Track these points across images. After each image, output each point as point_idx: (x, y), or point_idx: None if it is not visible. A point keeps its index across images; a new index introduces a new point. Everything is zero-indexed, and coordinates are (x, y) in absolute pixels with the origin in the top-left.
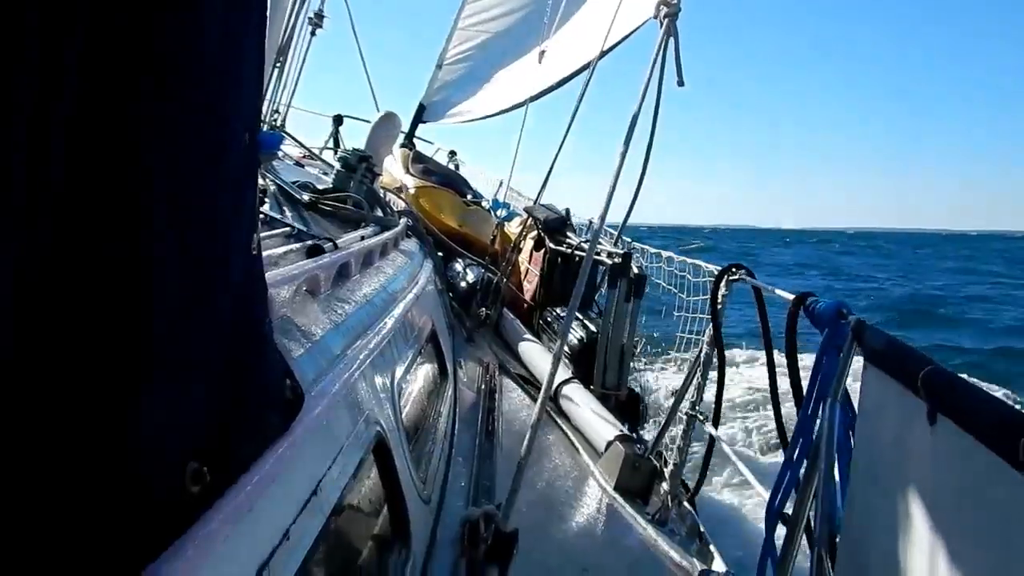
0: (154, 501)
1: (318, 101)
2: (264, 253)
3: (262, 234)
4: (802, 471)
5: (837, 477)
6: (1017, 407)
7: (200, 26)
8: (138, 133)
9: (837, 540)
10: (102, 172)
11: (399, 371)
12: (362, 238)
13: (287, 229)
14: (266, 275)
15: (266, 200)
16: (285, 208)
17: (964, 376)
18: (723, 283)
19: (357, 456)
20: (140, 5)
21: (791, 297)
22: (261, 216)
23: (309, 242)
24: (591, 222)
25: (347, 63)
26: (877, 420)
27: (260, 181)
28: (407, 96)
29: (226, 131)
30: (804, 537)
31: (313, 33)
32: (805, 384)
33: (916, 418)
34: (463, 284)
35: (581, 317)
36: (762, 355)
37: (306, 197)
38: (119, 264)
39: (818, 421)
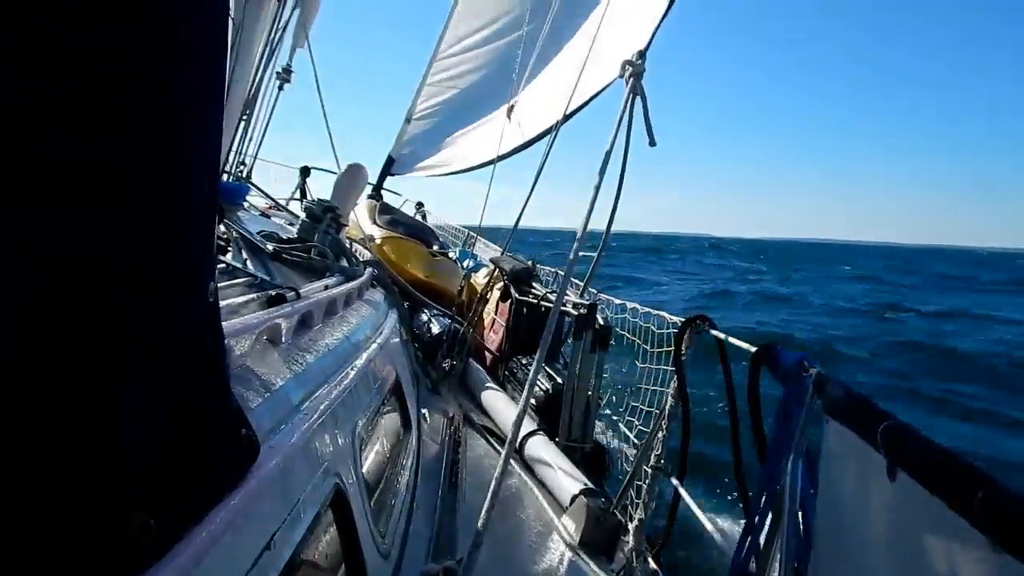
0: (97, 553)
1: (287, 152)
2: (225, 302)
3: (223, 284)
4: (766, 526)
5: (802, 532)
6: (975, 462)
7: (157, 78)
8: (94, 181)
9: None
10: (56, 220)
11: (360, 422)
12: (326, 287)
13: (249, 279)
14: (226, 324)
15: (229, 250)
16: (248, 258)
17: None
18: (686, 334)
19: (314, 509)
20: (98, 58)
21: (752, 349)
22: (223, 266)
23: (272, 291)
24: (557, 273)
25: (319, 116)
26: (839, 475)
27: (224, 231)
28: (380, 144)
29: (183, 180)
30: None
31: (280, 87)
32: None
33: (877, 473)
34: (429, 335)
35: (547, 368)
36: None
37: (270, 247)
38: (69, 312)
39: (782, 476)
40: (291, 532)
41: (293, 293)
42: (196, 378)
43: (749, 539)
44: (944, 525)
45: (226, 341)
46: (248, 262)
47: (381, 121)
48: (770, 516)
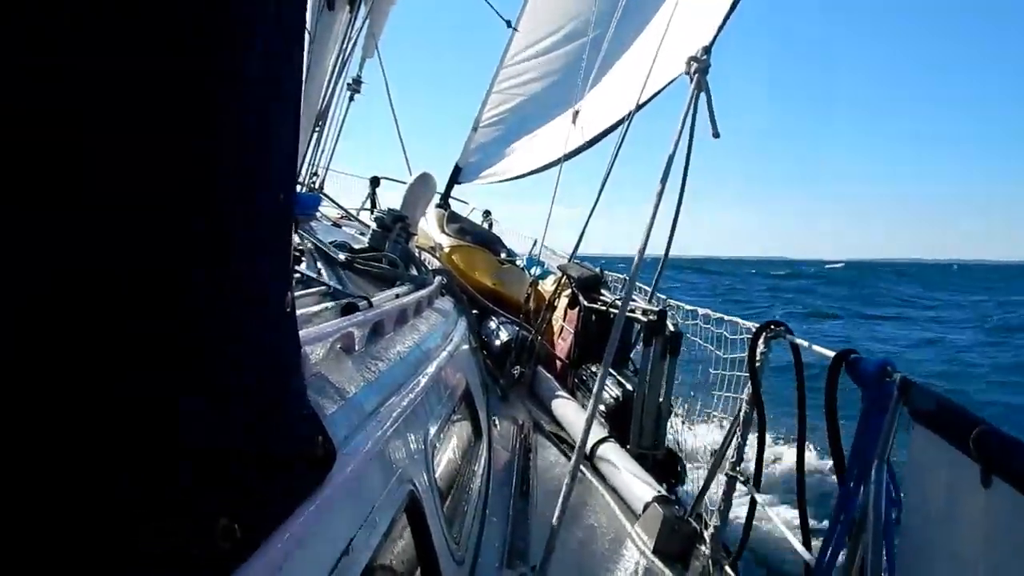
0: (183, 558)
1: (353, 159)
2: (299, 311)
3: (298, 293)
4: (847, 536)
5: (885, 541)
6: None
7: (236, 92)
8: (173, 195)
9: None
10: (136, 230)
11: (433, 429)
12: (397, 296)
13: (323, 288)
14: (300, 333)
15: (303, 260)
16: (322, 267)
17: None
18: (761, 340)
19: (389, 515)
20: (178, 73)
21: (831, 354)
22: (297, 275)
23: (344, 300)
24: (625, 279)
25: (386, 125)
26: (927, 483)
27: (298, 241)
28: (444, 153)
29: (261, 192)
30: None
31: (351, 98)
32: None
33: (969, 480)
34: (497, 342)
35: (616, 375)
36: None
37: (342, 257)
38: (155, 326)
39: (866, 484)
40: (368, 538)
41: (366, 302)
42: (275, 386)
43: (830, 551)
44: None
45: (303, 350)
46: (322, 271)
47: (446, 128)
48: (852, 525)
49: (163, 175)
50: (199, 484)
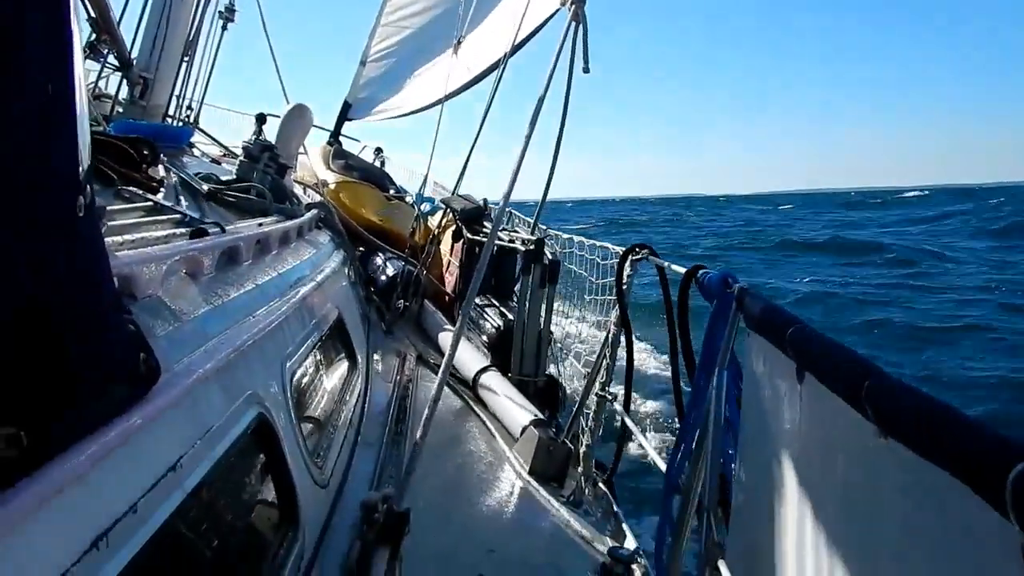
0: None
1: (249, 102)
2: (141, 235)
3: (147, 219)
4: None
5: (730, 442)
6: (866, 356)
7: None
8: None
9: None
10: None
11: (293, 356)
12: (260, 226)
13: (177, 216)
14: (131, 253)
15: (161, 190)
16: (182, 198)
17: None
18: (627, 263)
19: (231, 434)
20: None
21: (683, 271)
22: (150, 204)
23: (196, 227)
24: (511, 213)
25: (284, 58)
26: (760, 383)
27: (163, 172)
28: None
29: (14, 86)
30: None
31: (224, 28)
32: None
33: (788, 377)
34: (383, 277)
35: (500, 306)
36: None
37: (206, 188)
38: None
39: (709, 390)
40: (203, 455)
41: (218, 228)
42: (69, 298)
43: (680, 453)
44: (841, 418)
45: (131, 270)
46: (181, 201)
47: (343, 63)
48: (699, 430)
49: None
50: None
